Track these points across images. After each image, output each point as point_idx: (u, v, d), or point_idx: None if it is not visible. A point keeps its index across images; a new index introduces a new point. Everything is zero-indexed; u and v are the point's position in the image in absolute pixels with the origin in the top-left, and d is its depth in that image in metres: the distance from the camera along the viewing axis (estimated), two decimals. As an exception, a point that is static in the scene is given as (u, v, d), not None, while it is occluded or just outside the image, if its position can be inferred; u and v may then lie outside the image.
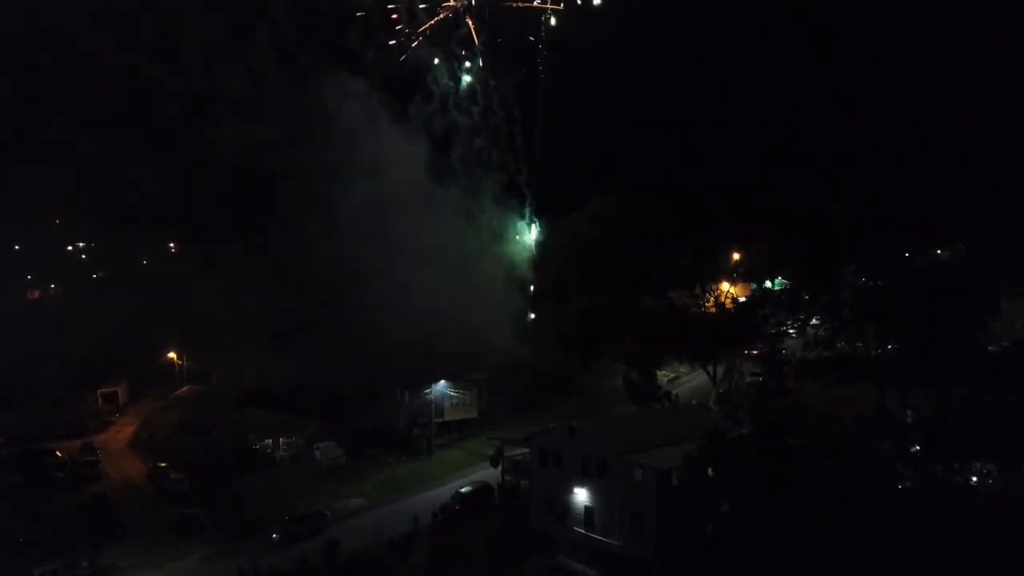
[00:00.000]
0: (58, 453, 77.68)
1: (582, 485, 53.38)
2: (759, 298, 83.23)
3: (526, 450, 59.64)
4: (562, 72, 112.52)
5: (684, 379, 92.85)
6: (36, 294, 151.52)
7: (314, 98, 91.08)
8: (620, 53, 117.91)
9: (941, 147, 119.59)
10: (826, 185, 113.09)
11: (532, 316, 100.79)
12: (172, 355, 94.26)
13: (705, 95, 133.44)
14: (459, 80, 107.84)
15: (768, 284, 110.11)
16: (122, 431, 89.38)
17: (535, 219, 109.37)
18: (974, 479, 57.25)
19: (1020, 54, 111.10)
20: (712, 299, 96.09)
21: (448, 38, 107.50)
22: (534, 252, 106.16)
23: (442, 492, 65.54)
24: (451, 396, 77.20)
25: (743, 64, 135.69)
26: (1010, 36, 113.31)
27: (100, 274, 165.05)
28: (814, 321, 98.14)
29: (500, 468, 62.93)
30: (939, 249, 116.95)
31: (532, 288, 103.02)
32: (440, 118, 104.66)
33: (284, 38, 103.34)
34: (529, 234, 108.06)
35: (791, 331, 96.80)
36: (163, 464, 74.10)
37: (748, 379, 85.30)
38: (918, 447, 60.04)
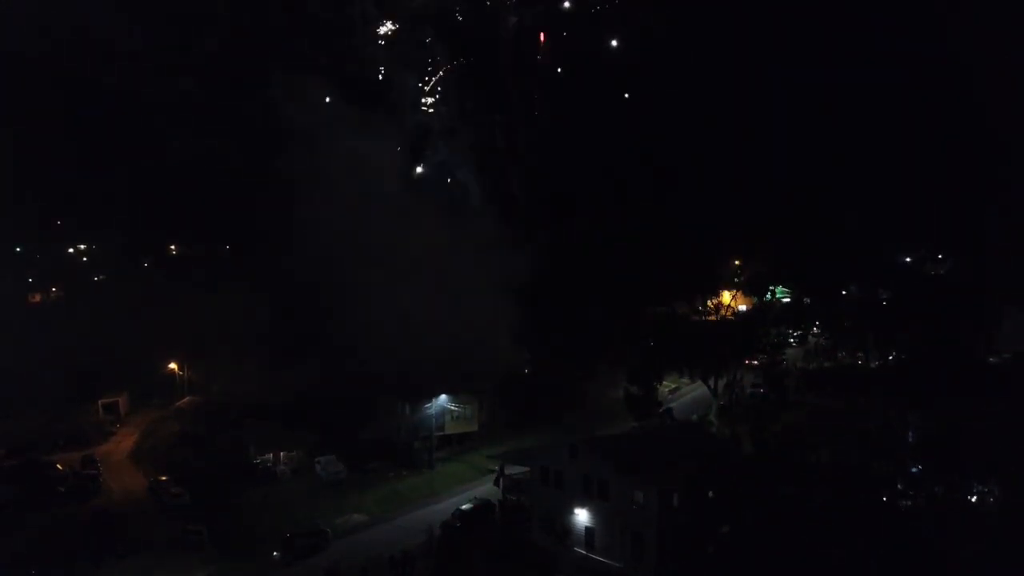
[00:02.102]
0: (59, 466, 77.52)
1: (583, 505, 53.41)
2: (760, 312, 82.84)
3: (527, 468, 59.73)
4: (558, 77, 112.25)
5: (685, 390, 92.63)
6: (37, 298, 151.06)
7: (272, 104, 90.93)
8: (619, 56, 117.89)
9: (941, 158, 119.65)
10: (825, 194, 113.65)
11: (532, 326, 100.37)
12: (173, 366, 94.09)
13: (703, 105, 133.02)
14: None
15: (769, 295, 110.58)
16: (123, 442, 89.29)
17: (533, 227, 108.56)
18: (974, 498, 57.35)
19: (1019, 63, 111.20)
20: (713, 309, 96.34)
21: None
22: (534, 261, 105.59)
23: (443, 507, 65.42)
24: (452, 410, 77.07)
25: (744, 72, 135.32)
26: (1011, 44, 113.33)
27: (101, 277, 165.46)
28: (815, 329, 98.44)
29: (501, 486, 62.90)
30: (940, 258, 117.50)
31: (531, 298, 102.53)
32: (417, 124, 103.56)
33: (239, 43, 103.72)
34: (526, 242, 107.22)
35: (792, 339, 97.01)
36: (164, 478, 74.00)
37: (749, 391, 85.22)
38: (920, 467, 60.18)
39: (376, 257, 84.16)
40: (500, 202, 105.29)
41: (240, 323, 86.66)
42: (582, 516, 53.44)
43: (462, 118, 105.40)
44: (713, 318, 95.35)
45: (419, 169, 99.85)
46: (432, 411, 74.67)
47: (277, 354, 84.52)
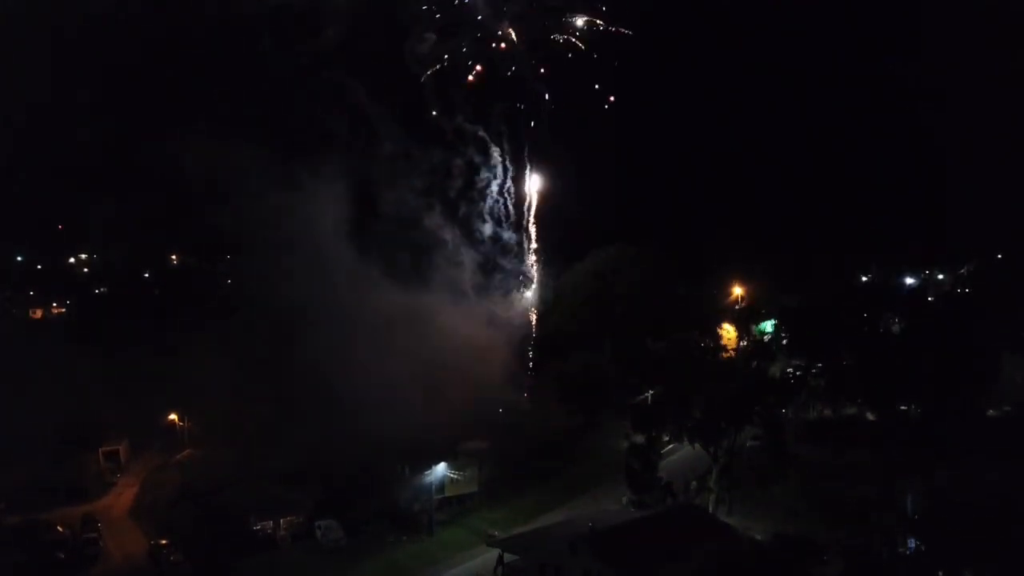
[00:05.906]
0: (59, 528, 77.30)
1: (582, 601, 53.47)
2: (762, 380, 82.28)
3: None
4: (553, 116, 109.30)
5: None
6: (39, 313, 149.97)
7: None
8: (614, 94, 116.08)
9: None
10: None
11: (533, 376, 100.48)
12: (173, 416, 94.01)
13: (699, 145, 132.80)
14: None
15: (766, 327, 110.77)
16: (124, 494, 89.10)
17: (532, 274, 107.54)
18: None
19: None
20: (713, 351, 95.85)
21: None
22: (533, 309, 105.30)
23: (443, 582, 65.65)
24: (451, 476, 77.03)
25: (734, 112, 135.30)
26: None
27: (102, 289, 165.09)
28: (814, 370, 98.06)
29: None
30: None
31: (531, 347, 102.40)
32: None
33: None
34: (526, 290, 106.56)
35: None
36: (164, 542, 73.83)
37: (748, 444, 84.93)
38: (920, 547, 60.19)
39: (358, 316, 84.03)
40: (476, 247, 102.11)
41: (240, 378, 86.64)
42: (581, 612, 53.50)
43: (406, 162, 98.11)
44: (726, 354, 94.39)
45: (378, 218, 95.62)
46: (432, 479, 74.55)
47: (276, 413, 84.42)
